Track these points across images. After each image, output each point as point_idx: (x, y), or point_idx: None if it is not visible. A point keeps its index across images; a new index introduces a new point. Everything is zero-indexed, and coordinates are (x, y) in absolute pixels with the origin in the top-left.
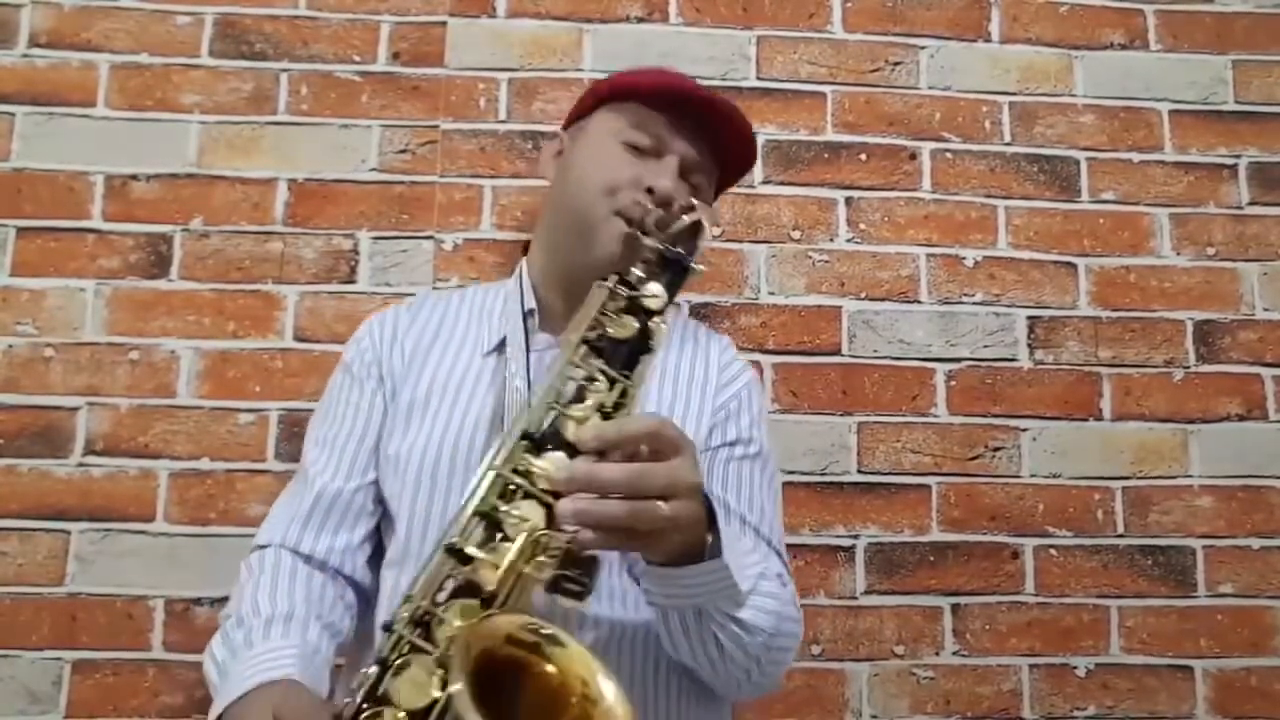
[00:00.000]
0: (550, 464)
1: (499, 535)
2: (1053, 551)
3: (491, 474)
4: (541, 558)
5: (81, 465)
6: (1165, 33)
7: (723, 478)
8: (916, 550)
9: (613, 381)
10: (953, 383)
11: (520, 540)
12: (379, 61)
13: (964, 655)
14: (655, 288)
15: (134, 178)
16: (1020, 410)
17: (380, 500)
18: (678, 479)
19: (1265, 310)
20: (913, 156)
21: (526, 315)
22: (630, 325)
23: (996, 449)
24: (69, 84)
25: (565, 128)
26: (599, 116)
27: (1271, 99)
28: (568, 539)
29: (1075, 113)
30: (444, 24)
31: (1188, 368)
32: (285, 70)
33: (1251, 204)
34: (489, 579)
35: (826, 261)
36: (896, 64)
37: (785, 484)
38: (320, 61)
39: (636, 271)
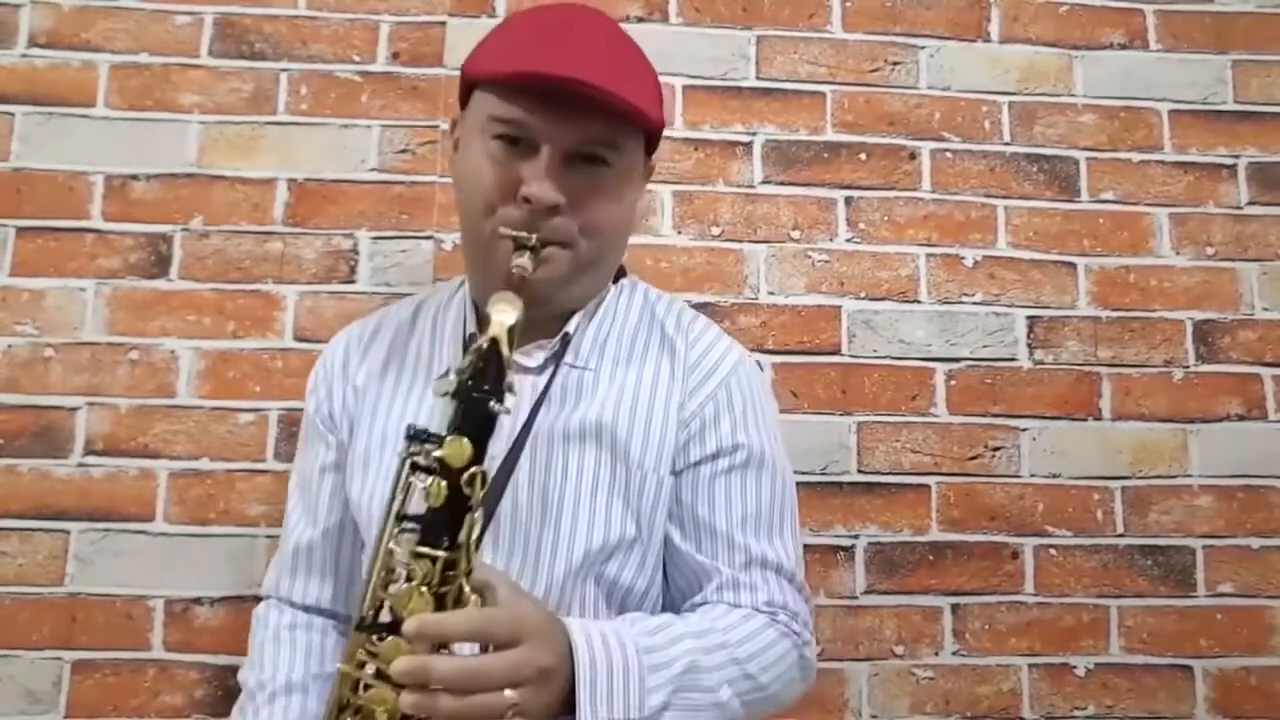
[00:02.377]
0: (391, 652)
1: None
2: (1052, 551)
3: (341, 671)
4: None
5: (81, 465)
6: (1165, 33)
7: (709, 495)
8: (916, 550)
9: (432, 558)
10: (952, 383)
11: None
12: (379, 61)
13: (964, 655)
14: (458, 443)
15: (134, 178)
16: (1020, 410)
17: (356, 533)
18: (519, 671)
19: (1265, 310)
20: (912, 156)
21: (467, 341)
22: (439, 489)
23: (996, 449)
24: (69, 84)
25: (461, 110)
26: (472, 105)
27: (1271, 99)
28: None
29: (1075, 113)
30: (444, 24)
31: (1187, 368)
32: (285, 70)
33: (1251, 204)
34: None
35: (826, 261)
36: (896, 64)
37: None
38: (320, 61)
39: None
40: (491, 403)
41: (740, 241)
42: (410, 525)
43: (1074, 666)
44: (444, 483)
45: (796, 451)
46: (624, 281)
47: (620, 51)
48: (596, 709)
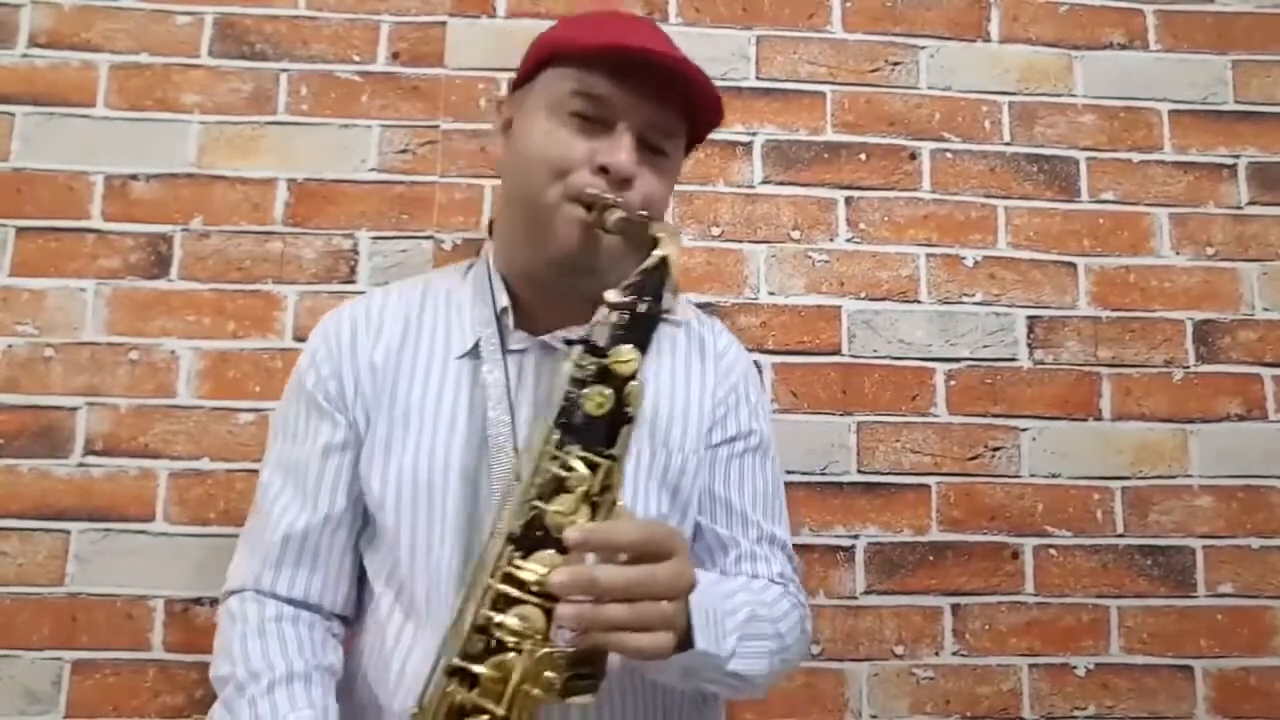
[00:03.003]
0: (542, 565)
1: (499, 649)
2: (1052, 551)
3: (483, 583)
4: (548, 673)
5: (81, 465)
6: (1165, 33)
7: (725, 475)
8: (916, 550)
9: (594, 465)
10: (952, 383)
11: (522, 662)
12: (379, 61)
13: (964, 655)
14: (627, 350)
15: (134, 178)
16: (1020, 410)
17: (353, 523)
18: (676, 584)
19: (1265, 310)
20: (913, 156)
21: (499, 315)
22: (605, 398)
23: (996, 449)
24: (69, 84)
25: (512, 91)
26: (542, 80)
27: (1271, 99)
28: (571, 645)
29: (1075, 113)
30: (444, 24)
31: (1187, 368)
32: (285, 70)
33: (1251, 204)
34: (496, 704)
35: (826, 261)
36: (896, 64)
37: (785, 484)
38: (320, 61)
39: (616, 296)
40: (664, 314)
41: (740, 241)
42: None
43: (1074, 666)
44: (609, 391)
45: (796, 452)
46: None
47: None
48: (704, 638)
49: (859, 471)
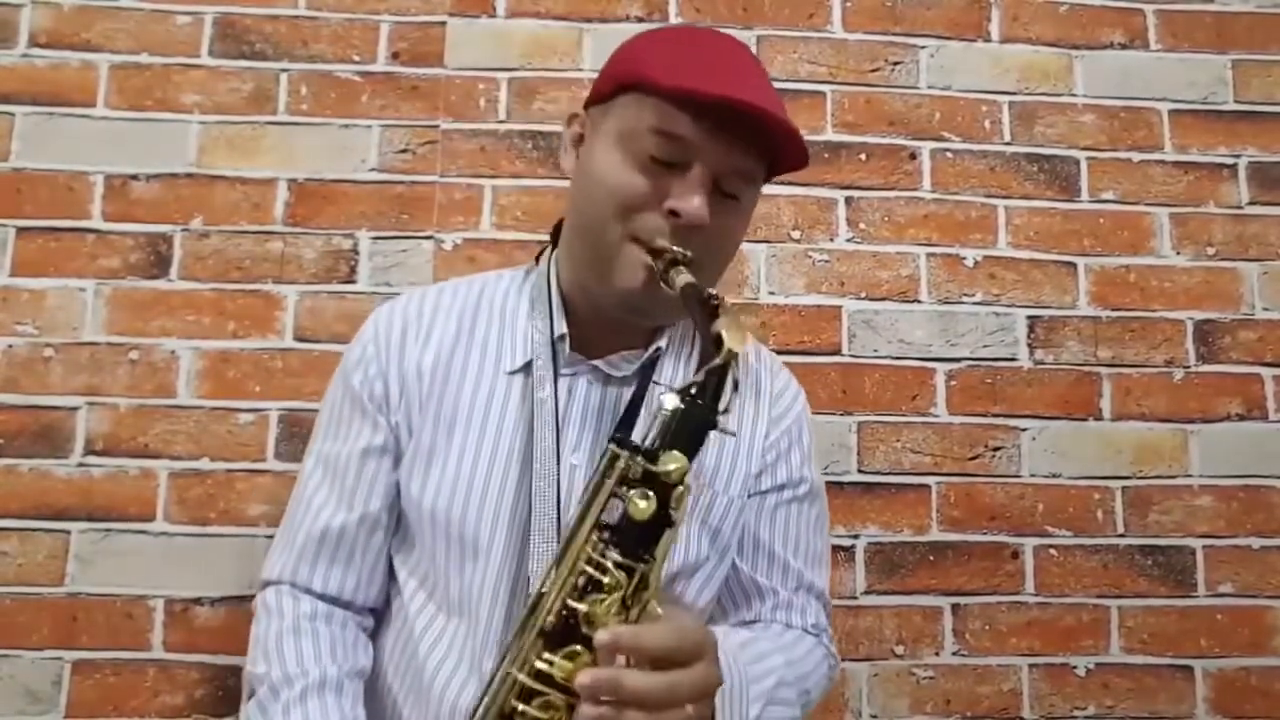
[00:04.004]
0: (570, 664)
1: None
2: (1053, 551)
3: (510, 677)
4: None
5: (81, 465)
6: (1165, 32)
7: (770, 522)
8: (916, 550)
9: (630, 570)
10: (953, 382)
11: None
12: (379, 61)
13: (964, 655)
14: (676, 458)
15: (134, 178)
16: (1020, 410)
17: (389, 525)
18: (702, 689)
19: (1265, 310)
20: (913, 156)
21: (556, 340)
22: (648, 504)
23: (996, 449)
24: (69, 84)
25: (588, 106)
26: (619, 106)
27: (1271, 99)
28: None
29: (1075, 112)
30: (444, 24)
31: (1188, 368)
32: (285, 70)
33: (1251, 204)
34: None
35: (826, 261)
36: (896, 64)
37: None
38: (320, 61)
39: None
40: (718, 419)
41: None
42: (605, 535)
43: (1074, 666)
44: (654, 496)
45: None
46: None
47: (773, 89)
48: (722, 715)
49: (859, 471)
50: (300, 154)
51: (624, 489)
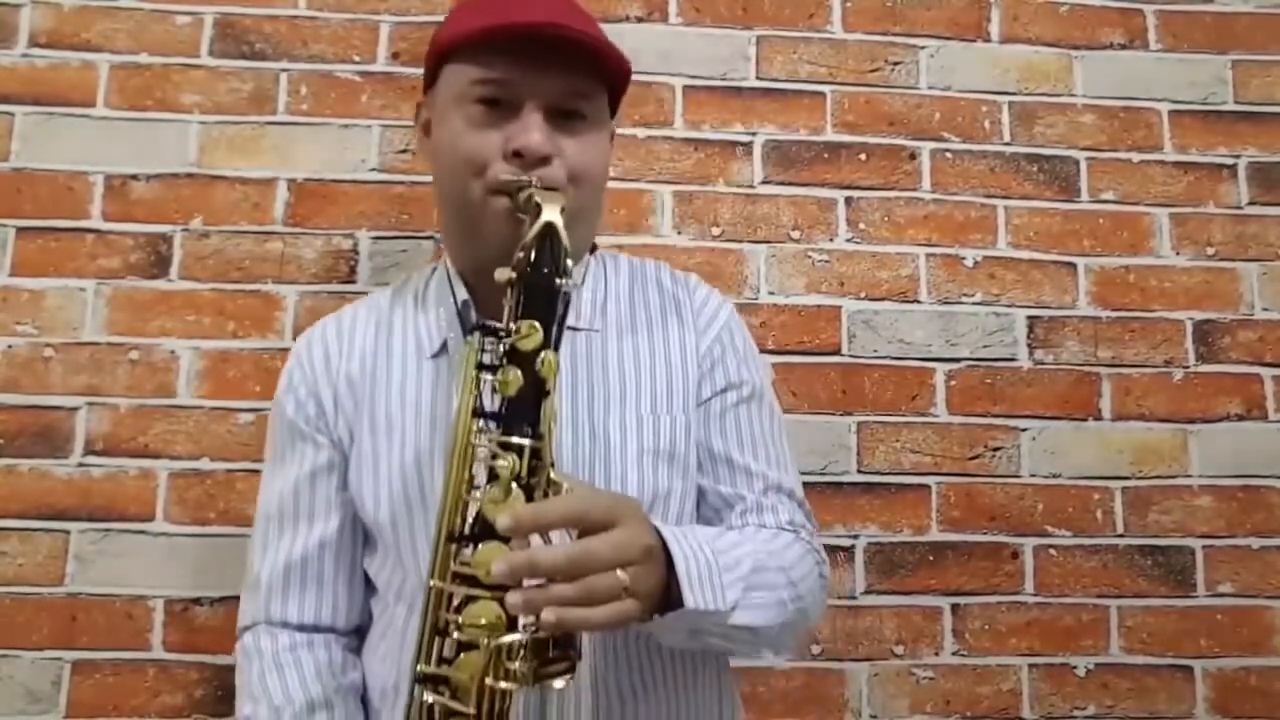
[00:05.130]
0: (486, 557)
1: (462, 648)
2: (1052, 551)
3: (433, 589)
4: (513, 664)
5: (81, 465)
6: (1165, 33)
7: (720, 429)
8: (916, 550)
9: (517, 448)
10: (952, 383)
11: (482, 658)
12: (379, 61)
13: (964, 655)
14: (526, 325)
15: (134, 178)
16: (1020, 410)
17: (353, 540)
18: (626, 550)
19: (1265, 310)
20: (913, 156)
21: (461, 309)
22: (514, 377)
23: (996, 449)
24: (69, 84)
25: (426, 91)
26: (445, 77)
27: (1271, 99)
28: (529, 632)
29: (1075, 113)
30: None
31: (1187, 368)
32: (285, 70)
33: (1251, 204)
34: (467, 704)
35: (826, 261)
36: (896, 64)
37: None
38: (320, 61)
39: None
40: (557, 280)
41: (740, 242)
42: (485, 425)
43: (1074, 666)
44: (518, 370)
45: (796, 452)
46: (601, 253)
47: (580, 8)
48: (695, 596)
49: (859, 471)
50: (300, 154)
51: (489, 374)
